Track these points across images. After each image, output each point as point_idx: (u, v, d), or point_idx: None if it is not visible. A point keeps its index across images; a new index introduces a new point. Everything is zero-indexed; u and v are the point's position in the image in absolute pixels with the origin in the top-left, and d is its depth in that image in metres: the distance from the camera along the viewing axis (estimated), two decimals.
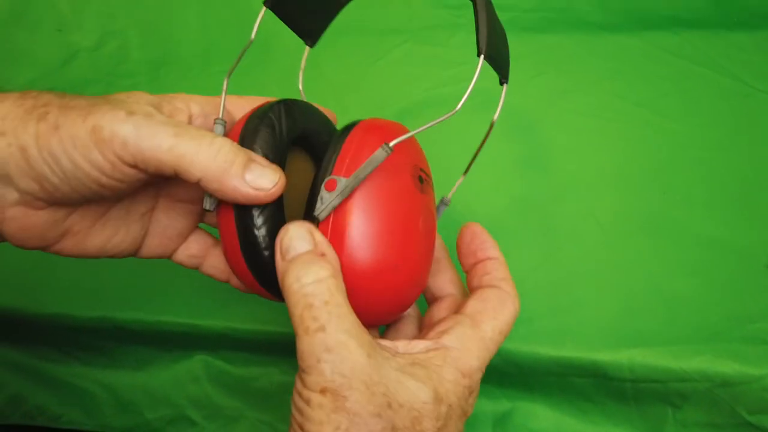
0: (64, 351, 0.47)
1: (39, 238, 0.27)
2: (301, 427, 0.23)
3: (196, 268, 0.33)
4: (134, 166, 0.25)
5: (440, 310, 0.31)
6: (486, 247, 0.31)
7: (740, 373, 0.34)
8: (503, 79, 0.29)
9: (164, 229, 0.32)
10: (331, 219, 0.26)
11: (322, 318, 0.23)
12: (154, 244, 0.32)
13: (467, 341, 0.27)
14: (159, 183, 0.32)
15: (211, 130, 0.29)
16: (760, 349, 0.35)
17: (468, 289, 0.31)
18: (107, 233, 0.30)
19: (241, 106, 0.30)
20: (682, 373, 0.35)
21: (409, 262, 0.27)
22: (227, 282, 0.33)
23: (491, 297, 0.29)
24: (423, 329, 0.31)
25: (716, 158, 0.45)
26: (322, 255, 0.25)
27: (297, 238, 0.25)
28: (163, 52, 0.63)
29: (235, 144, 0.26)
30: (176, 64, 0.62)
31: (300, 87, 0.34)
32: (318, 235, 0.26)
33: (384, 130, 0.28)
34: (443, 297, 0.32)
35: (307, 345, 0.23)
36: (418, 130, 0.25)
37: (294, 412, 0.24)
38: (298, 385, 0.24)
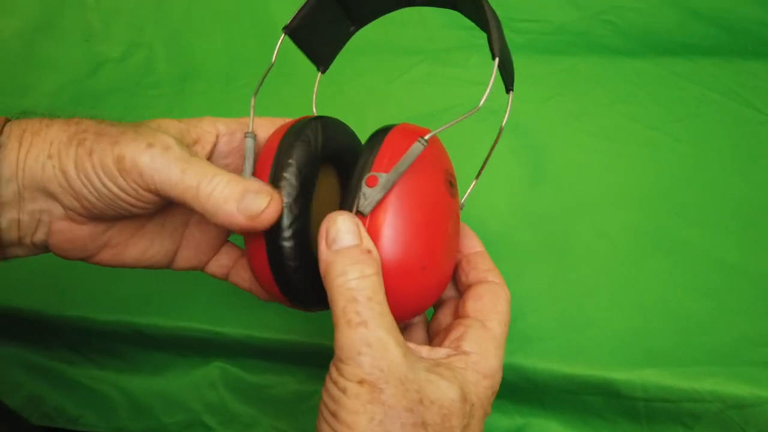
0: (82, 353, 0.48)
1: (81, 250, 0.30)
2: (335, 415, 0.24)
3: (225, 278, 0.35)
4: (151, 192, 0.27)
5: (446, 315, 0.32)
6: (467, 241, 0.32)
7: (752, 395, 0.35)
8: (509, 87, 0.30)
9: (198, 243, 0.34)
10: (368, 215, 0.27)
11: (365, 313, 0.24)
12: (187, 257, 0.34)
13: (483, 343, 0.28)
14: None
15: (239, 148, 0.32)
16: None
17: (457, 284, 0.32)
18: (143, 246, 0.32)
19: (265, 126, 0.32)
20: (694, 393, 0.36)
21: (437, 263, 0.28)
22: (249, 291, 0.35)
23: (485, 293, 0.30)
24: (434, 336, 0.32)
25: (729, 182, 0.45)
26: (368, 252, 0.26)
27: (345, 231, 0.26)
28: (189, 65, 0.65)
29: (234, 178, 0.27)
30: (201, 77, 0.64)
31: (314, 110, 0.35)
32: (364, 231, 0.26)
33: (418, 132, 0.29)
34: (447, 300, 0.33)
35: (348, 338, 0.24)
36: (450, 124, 0.26)
37: (326, 399, 0.24)
38: (334, 374, 0.24)
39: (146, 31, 0.67)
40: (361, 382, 0.24)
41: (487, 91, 0.26)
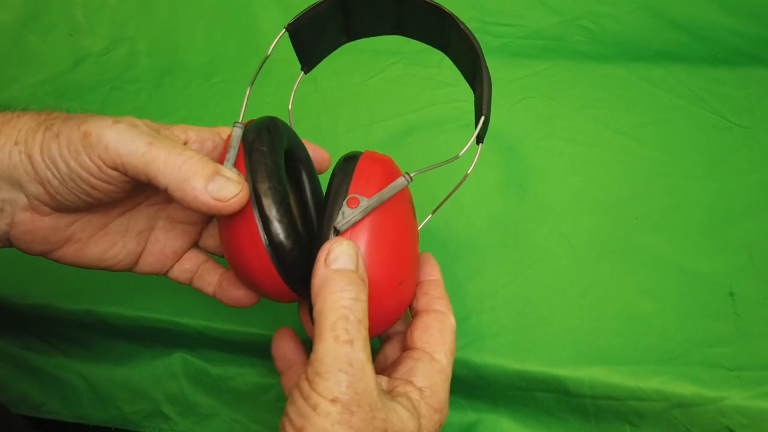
0: (47, 342, 0.48)
1: (43, 242, 0.30)
2: (300, 431, 0.24)
3: (188, 284, 0.35)
4: (116, 169, 0.27)
5: (393, 348, 0.32)
6: (426, 269, 0.32)
7: (696, 395, 0.35)
8: (481, 139, 0.31)
9: (162, 247, 0.34)
10: (348, 234, 0.28)
11: (353, 333, 0.24)
12: (150, 261, 0.34)
13: (433, 378, 0.28)
14: (159, 204, 0.34)
15: (209, 155, 0.32)
16: (717, 373, 0.36)
17: (411, 312, 0.32)
18: (105, 245, 0.32)
19: (210, 136, 0.32)
20: (639, 392, 0.36)
21: (411, 278, 0.30)
22: (213, 296, 0.35)
23: (432, 323, 0.30)
24: (382, 370, 0.32)
25: (690, 187, 0.46)
26: (363, 281, 0.26)
27: (347, 255, 0.26)
28: (169, 61, 0.66)
29: (205, 158, 0.28)
30: (180, 73, 0.65)
31: (289, 107, 0.36)
32: (362, 262, 0.27)
33: (386, 162, 0.31)
34: (394, 335, 0.33)
35: (333, 352, 0.24)
36: (431, 167, 0.28)
37: (293, 415, 0.24)
38: (306, 388, 0.24)
39: (129, 27, 0.67)
40: (334, 401, 0.23)
41: (468, 144, 0.28)
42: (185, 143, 0.31)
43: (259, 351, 0.45)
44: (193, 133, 0.32)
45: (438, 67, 0.59)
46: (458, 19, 0.31)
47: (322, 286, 0.26)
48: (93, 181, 0.28)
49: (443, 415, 0.28)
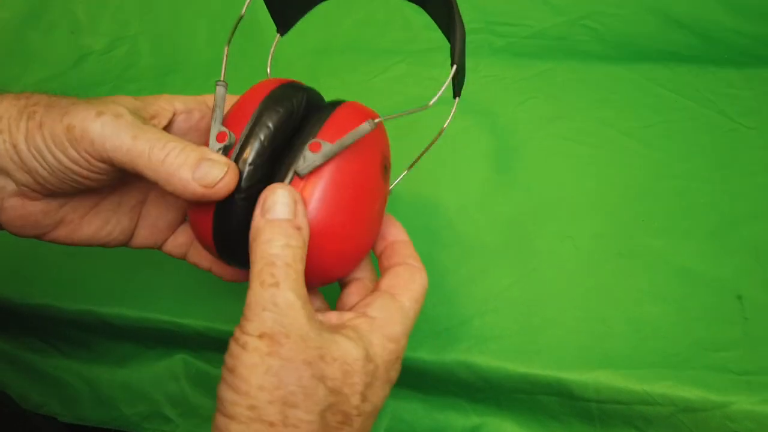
0: (47, 342, 0.48)
1: (34, 226, 0.30)
2: (232, 370, 0.24)
3: (183, 257, 0.35)
4: (104, 162, 0.27)
5: (351, 294, 0.32)
6: (393, 231, 0.32)
7: (703, 399, 0.35)
8: (457, 93, 0.31)
9: (154, 220, 0.34)
10: (304, 178, 0.27)
11: (279, 276, 0.25)
12: (144, 235, 0.34)
13: (389, 311, 0.28)
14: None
15: (197, 126, 0.32)
16: (725, 377, 0.36)
17: (380, 272, 0.32)
18: (98, 223, 0.32)
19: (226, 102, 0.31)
20: (646, 396, 0.36)
21: (359, 233, 0.29)
22: (209, 270, 0.35)
23: (402, 272, 0.30)
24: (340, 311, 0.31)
25: (696, 189, 0.45)
26: (298, 228, 0.26)
27: (282, 203, 0.26)
28: (171, 60, 0.66)
29: (189, 145, 0.27)
30: (182, 72, 0.64)
31: (268, 72, 0.35)
32: (301, 207, 0.27)
33: (367, 112, 0.30)
34: (354, 280, 0.32)
35: (258, 295, 0.24)
36: (398, 114, 0.28)
37: (227, 358, 0.25)
38: (237, 332, 0.25)
39: (131, 25, 0.67)
40: (261, 336, 0.24)
41: (438, 93, 0.27)
42: (173, 114, 0.31)
43: None
44: (179, 103, 0.31)
45: (442, 67, 0.58)
46: None
47: (255, 237, 0.26)
48: (83, 172, 0.27)
49: (400, 347, 0.28)
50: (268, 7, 0.33)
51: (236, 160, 0.28)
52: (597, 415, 0.37)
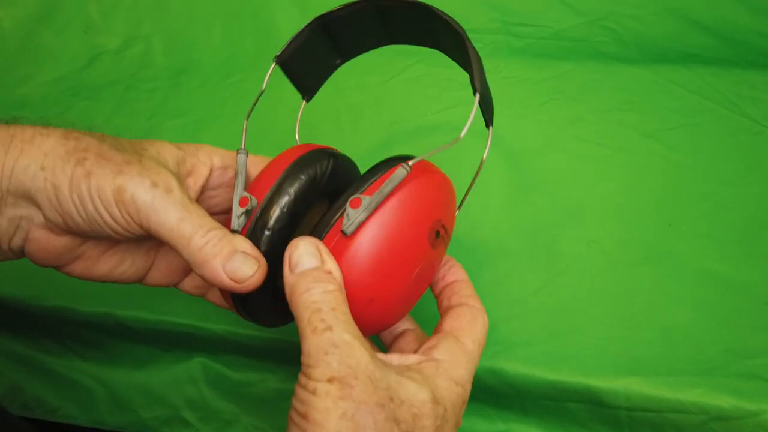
0: (64, 345, 0.48)
1: (55, 259, 0.30)
2: (305, 416, 0.23)
3: (202, 296, 0.35)
4: (141, 228, 0.28)
5: (409, 342, 0.32)
6: (453, 271, 0.32)
7: (736, 407, 0.34)
8: (489, 122, 0.31)
9: (169, 263, 0.34)
10: (336, 238, 0.27)
11: (330, 320, 0.25)
12: (158, 276, 0.34)
13: (455, 354, 0.28)
14: None
15: (229, 183, 0.33)
16: (757, 384, 0.35)
17: (439, 312, 0.32)
18: (115, 262, 0.32)
19: (257, 164, 0.33)
20: (677, 404, 0.35)
21: (387, 299, 0.28)
22: (232, 309, 0.34)
23: (463, 313, 0.30)
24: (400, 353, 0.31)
25: (722, 193, 0.45)
26: (329, 273, 0.26)
27: (306, 254, 0.27)
28: (185, 59, 0.65)
29: (227, 235, 0.28)
30: (196, 72, 0.64)
31: (296, 137, 0.36)
32: (325, 253, 0.27)
33: (428, 169, 0.29)
34: (403, 332, 0.33)
35: (315, 342, 0.24)
36: (432, 152, 0.27)
37: (295, 404, 0.24)
38: (302, 380, 0.24)
39: (144, 24, 0.66)
40: (330, 380, 0.23)
41: (467, 124, 0.27)
42: (210, 171, 0.32)
43: (281, 357, 0.44)
44: (217, 159, 0.32)
45: (458, 68, 0.58)
46: (436, 9, 0.30)
47: (291, 293, 0.26)
48: (118, 228, 0.28)
49: (466, 391, 0.27)
50: (289, 79, 0.34)
51: (255, 224, 0.28)
52: (626, 423, 0.37)
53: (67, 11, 0.68)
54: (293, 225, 0.29)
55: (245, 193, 0.29)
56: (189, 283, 0.35)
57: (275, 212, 0.28)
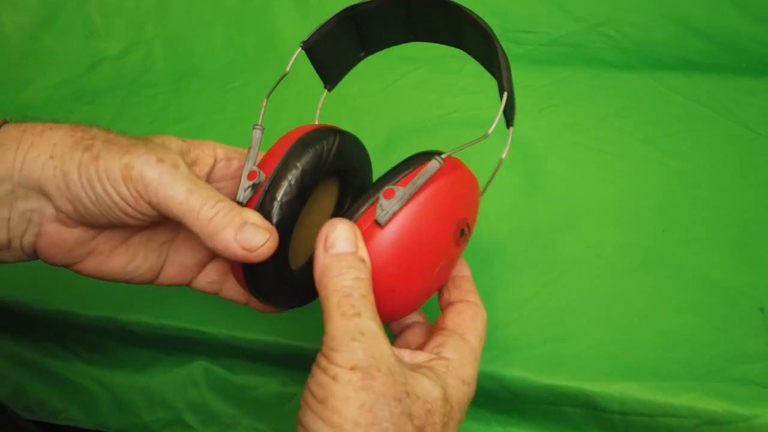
0: (67, 348, 0.48)
1: (66, 255, 0.30)
2: (323, 402, 0.24)
3: (217, 293, 0.35)
4: (150, 205, 0.28)
5: (416, 335, 0.33)
6: (459, 268, 0.33)
7: (729, 412, 0.35)
8: (509, 122, 0.31)
9: (184, 258, 0.34)
10: (366, 226, 0.28)
11: (359, 307, 0.25)
12: (172, 272, 0.34)
13: (463, 353, 0.29)
14: None
15: (234, 174, 0.33)
16: (751, 389, 0.35)
17: (439, 304, 0.33)
18: (127, 258, 0.32)
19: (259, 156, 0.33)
20: (671, 408, 0.36)
21: (406, 292, 0.29)
22: (247, 304, 0.35)
23: (465, 310, 0.31)
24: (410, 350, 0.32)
25: (718, 199, 0.45)
26: (362, 260, 0.27)
27: (343, 237, 0.27)
28: (187, 64, 0.66)
29: (235, 207, 0.28)
30: (198, 76, 0.64)
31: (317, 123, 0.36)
32: (361, 241, 0.27)
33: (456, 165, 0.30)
34: (411, 324, 0.33)
35: (343, 326, 0.25)
36: (462, 147, 0.28)
37: (313, 387, 0.24)
38: (323, 362, 0.24)
39: (146, 29, 0.67)
40: (353, 368, 0.24)
41: (495, 122, 0.28)
42: (214, 161, 0.32)
43: (282, 360, 0.44)
44: (221, 151, 0.33)
45: (459, 74, 0.59)
46: (465, 8, 0.30)
47: (323, 272, 0.26)
48: (127, 209, 0.28)
49: (471, 389, 0.28)
50: (313, 65, 0.34)
51: (264, 197, 0.29)
52: (621, 427, 0.37)
53: (70, 16, 0.68)
54: (302, 199, 0.29)
55: (254, 167, 0.29)
56: (204, 280, 0.34)
57: (284, 185, 0.28)
